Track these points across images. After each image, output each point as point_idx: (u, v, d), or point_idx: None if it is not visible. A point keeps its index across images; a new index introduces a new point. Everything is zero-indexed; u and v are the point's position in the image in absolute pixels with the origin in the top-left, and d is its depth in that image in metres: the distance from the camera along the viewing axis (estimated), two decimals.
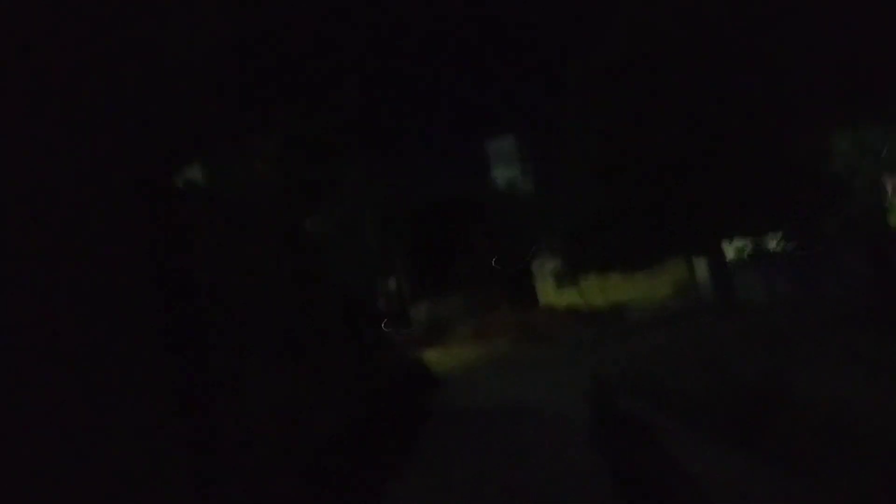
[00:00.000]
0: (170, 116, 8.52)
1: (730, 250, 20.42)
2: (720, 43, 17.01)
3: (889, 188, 14.89)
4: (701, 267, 23.29)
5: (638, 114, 18.93)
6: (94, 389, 4.12)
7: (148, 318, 4.93)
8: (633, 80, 18.93)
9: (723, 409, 7.28)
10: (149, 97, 7.42)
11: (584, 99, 22.48)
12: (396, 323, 24.84)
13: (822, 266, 16.48)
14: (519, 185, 48.24)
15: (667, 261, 24.32)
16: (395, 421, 11.86)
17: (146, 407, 4.65)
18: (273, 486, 6.68)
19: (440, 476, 8.00)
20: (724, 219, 18.72)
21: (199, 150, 9.50)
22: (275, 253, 9.98)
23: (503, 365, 18.38)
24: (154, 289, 5.08)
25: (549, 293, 32.38)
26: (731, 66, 16.76)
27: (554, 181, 33.90)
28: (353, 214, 19.35)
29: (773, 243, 18.24)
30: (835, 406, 6.01)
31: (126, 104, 6.23)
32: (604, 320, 23.49)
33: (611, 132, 21.18)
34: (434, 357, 22.26)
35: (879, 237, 14.39)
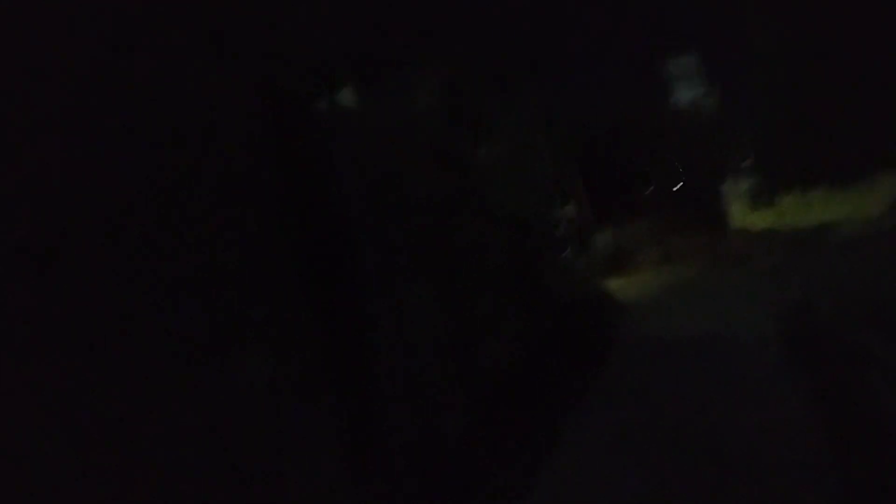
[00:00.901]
0: (324, 39, 8.31)
1: None
2: None
3: None
4: None
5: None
6: (233, 323, 3.90)
7: (287, 245, 4.56)
8: None
9: None
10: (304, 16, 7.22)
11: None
12: (579, 250, 24.34)
13: None
14: (704, 103, 45.12)
15: (879, 174, 21.92)
16: (577, 353, 11.64)
17: (291, 341, 4.36)
18: (442, 424, 6.33)
19: (629, 411, 7.67)
20: None
21: (356, 75, 9.11)
22: (435, 181, 9.63)
23: (694, 292, 17.47)
24: (297, 219, 4.68)
25: (743, 214, 30.29)
26: None
27: (742, 97, 31.71)
28: (525, 143, 18.88)
29: None
30: None
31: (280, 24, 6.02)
32: (806, 242, 21.31)
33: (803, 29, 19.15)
34: (620, 285, 21.64)
35: None
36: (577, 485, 5.64)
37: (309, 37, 7.79)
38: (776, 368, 7.79)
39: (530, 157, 19.38)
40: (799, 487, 4.40)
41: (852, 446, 4.90)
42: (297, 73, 6.27)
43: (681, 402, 7.36)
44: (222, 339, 3.88)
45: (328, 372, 4.78)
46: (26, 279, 2.79)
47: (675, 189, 33.27)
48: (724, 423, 6.12)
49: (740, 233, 27.25)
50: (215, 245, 4.00)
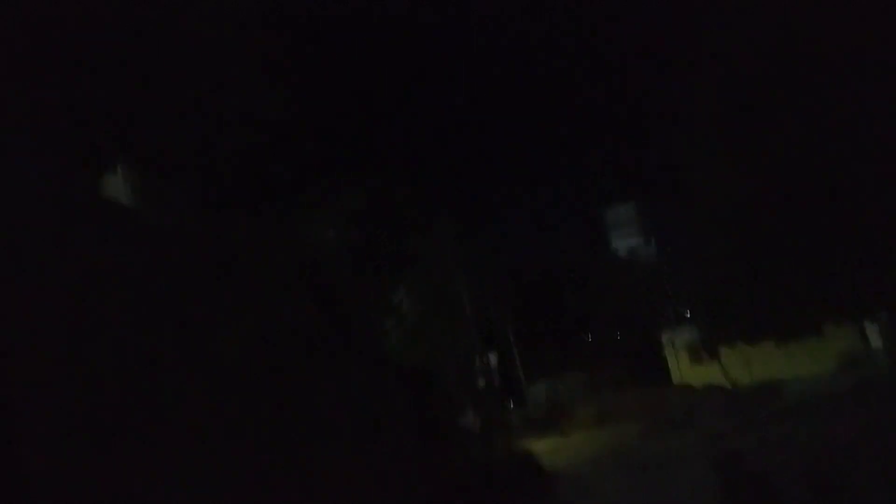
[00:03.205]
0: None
1: None
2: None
3: None
4: (875, 334, 19.26)
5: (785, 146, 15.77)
6: None
7: None
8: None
9: None
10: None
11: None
12: (501, 406, 21.94)
13: None
14: (642, 253, 44.64)
15: (829, 328, 20.39)
16: None
17: None
18: None
19: None
20: None
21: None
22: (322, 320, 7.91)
23: (631, 459, 15.02)
24: None
25: (684, 369, 28.43)
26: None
27: (682, 246, 31.19)
28: (445, 286, 16.97)
29: None
30: None
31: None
32: (753, 401, 19.12)
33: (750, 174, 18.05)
34: (547, 447, 19.10)
35: None
36: None
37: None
38: None
39: (450, 302, 17.46)
40: None
41: None
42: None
43: None
44: None
45: None
46: None
47: (612, 341, 31.84)
48: None
49: (681, 389, 25.19)
50: None
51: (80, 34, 4.50)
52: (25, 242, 3.73)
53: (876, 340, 19.55)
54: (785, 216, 18.67)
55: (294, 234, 10.29)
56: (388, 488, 8.02)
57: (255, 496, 5.09)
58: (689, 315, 30.29)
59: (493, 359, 19.15)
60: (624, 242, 54.64)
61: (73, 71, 4.83)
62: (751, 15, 14.92)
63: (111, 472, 3.88)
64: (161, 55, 5.00)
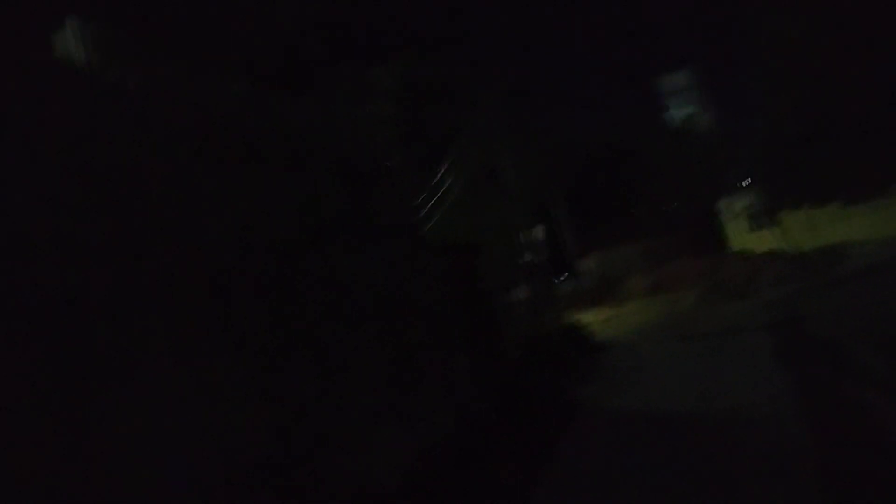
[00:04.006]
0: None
1: None
2: None
3: None
4: None
5: None
6: None
7: None
8: None
9: None
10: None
11: None
12: (553, 280, 21.67)
13: None
14: (698, 121, 42.79)
15: (892, 190, 19.24)
16: (538, 413, 8.80)
17: None
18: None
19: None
20: None
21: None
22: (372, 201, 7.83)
23: (686, 325, 14.64)
24: None
25: (742, 236, 27.54)
26: None
27: (741, 109, 29.78)
28: (492, 161, 16.37)
29: None
30: None
31: None
32: (816, 266, 18.52)
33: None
34: (599, 318, 18.90)
35: None
36: None
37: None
38: (790, 445, 5.19)
39: (498, 178, 16.87)
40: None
41: (850, 467, 4.62)
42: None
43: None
44: None
45: None
46: None
47: (666, 211, 31.02)
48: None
49: (739, 257, 24.29)
50: None
51: None
52: None
53: None
54: (854, 73, 17.59)
55: (322, 111, 9.73)
56: (427, 366, 7.77)
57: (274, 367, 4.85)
58: (748, 184, 29.11)
59: (541, 232, 18.71)
60: (679, 111, 52.53)
61: None
62: None
63: None
64: None
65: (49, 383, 3.16)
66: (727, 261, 23.22)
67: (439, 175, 14.28)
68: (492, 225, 14.77)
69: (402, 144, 13.87)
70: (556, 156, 25.14)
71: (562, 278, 24.34)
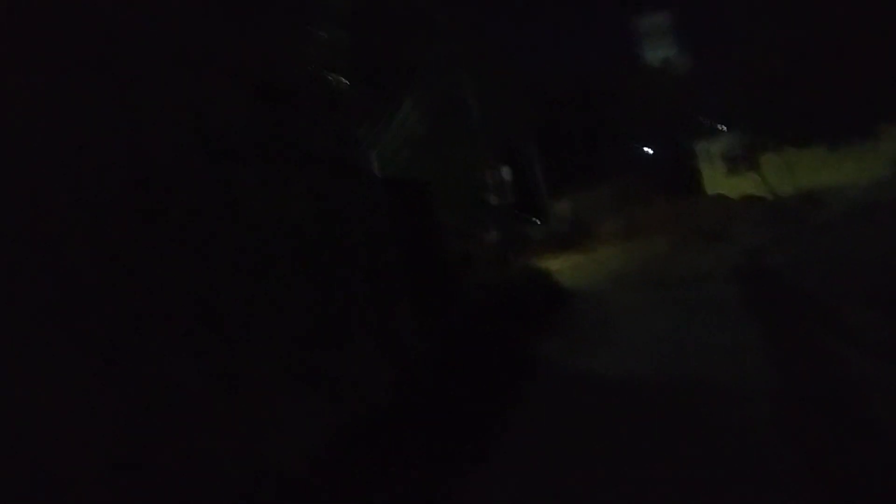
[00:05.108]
0: None
1: None
2: None
3: None
4: None
5: None
6: None
7: None
8: None
9: None
10: None
11: None
12: (517, 221, 20.73)
13: None
14: (676, 61, 41.56)
15: (882, 129, 18.44)
16: (493, 374, 7.80)
17: None
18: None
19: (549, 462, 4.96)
20: None
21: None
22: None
23: (661, 274, 13.80)
24: None
25: (719, 179, 26.72)
26: None
27: (719, 45, 29.07)
28: (449, 92, 15.17)
29: None
30: None
31: None
32: (796, 212, 17.84)
33: None
34: (569, 264, 18.00)
35: None
36: None
37: None
38: (762, 413, 4.78)
39: (459, 113, 15.71)
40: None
41: (820, 417, 4.56)
42: None
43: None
44: None
45: None
46: None
47: (642, 151, 30.12)
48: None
49: (716, 200, 23.63)
50: None
51: None
52: None
53: None
54: (837, 6, 16.58)
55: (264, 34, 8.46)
56: (358, 320, 6.74)
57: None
58: (725, 126, 28.34)
59: (507, 173, 17.65)
60: (656, 52, 50.99)
61: None
62: None
63: None
64: None
65: None
66: (703, 205, 22.57)
67: (393, 106, 13.16)
68: (452, 162, 13.76)
69: (352, 71, 12.60)
70: (525, 91, 23.88)
71: (530, 221, 23.38)
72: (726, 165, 26.20)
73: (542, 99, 28.05)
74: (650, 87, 31.81)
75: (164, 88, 4.61)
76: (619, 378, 6.78)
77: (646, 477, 4.24)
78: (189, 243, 4.39)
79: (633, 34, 58.76)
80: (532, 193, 24.69)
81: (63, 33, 3.76)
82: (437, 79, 15.43)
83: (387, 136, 13.39)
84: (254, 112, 5.89)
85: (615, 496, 4.13)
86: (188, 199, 4.49)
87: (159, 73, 4.63)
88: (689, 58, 46.83)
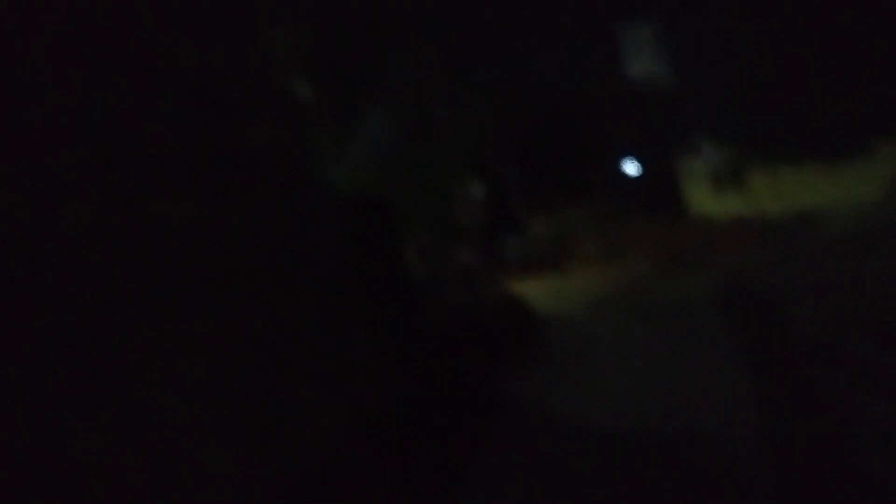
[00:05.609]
0: None
1: None
2: None
3: None
4: None
5: None
6: None
7: None
8: None
9: None
10: None
11: None
12: (497, 242, 20.01)
13: None
14: (660, 76, 41.36)
15: (876, 147, 17.86)
16: (458, 413, 7.34)
17: None
18: None
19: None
20: None
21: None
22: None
23: (643, 296, 13.49)
24: None
25: (705, 198, 26.18)
26: None
27: (705, 59, 28.88)
28: (422, 105, 14.44)
29: None
30: None
31: None
32: (785, 234, 17.44)
33: None
34: (544, 288, 17.23)
35: None
36: None
37: None
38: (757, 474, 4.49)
39: (431, 126, 14.94)
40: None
41: (812, 462, 4.42)
42: None
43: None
44: None
45: None
46: None
47: (624, 168, 29.48)
48: None
49: (700, 221, 22.99)
50: None
51: None
52: None
53: None
54: (830, 15, 16.10)
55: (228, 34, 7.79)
56: (305, 356, 5.88)
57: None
58: (711, 141, 28.02)
59: (480, 190, 16.90)
60: (639, 66, 50.65)
61: None
62: None
63: None
64: None
65: None
66: (688, 225, 22.04)
67: (358, 116, 12.35)
68: (420, 178, 12.93)
69: (315, 76, 11.91)
70: (501, 105, 23.15)
71: (505, 242, 22.62)
72: (713, 184, 25.74)
73: (520, 113, 27.45)
74: (633, 102, 31.45)
75: (67, 84, 3.68)
76: (595, 419, 6.38)
77: None
78: (85, 264, 3.43)
79: (617, 46, 58.36)
80: (507, 212, 23.96)
81: None
82: (407, 88, 14.73)
83: (350, 149, 12.69)
84: (185, 116, 5.06)
85: None
86: (86, 211, 3.53)
87: (63, 65, 3.68)
88: (674, 71, 46.55)
